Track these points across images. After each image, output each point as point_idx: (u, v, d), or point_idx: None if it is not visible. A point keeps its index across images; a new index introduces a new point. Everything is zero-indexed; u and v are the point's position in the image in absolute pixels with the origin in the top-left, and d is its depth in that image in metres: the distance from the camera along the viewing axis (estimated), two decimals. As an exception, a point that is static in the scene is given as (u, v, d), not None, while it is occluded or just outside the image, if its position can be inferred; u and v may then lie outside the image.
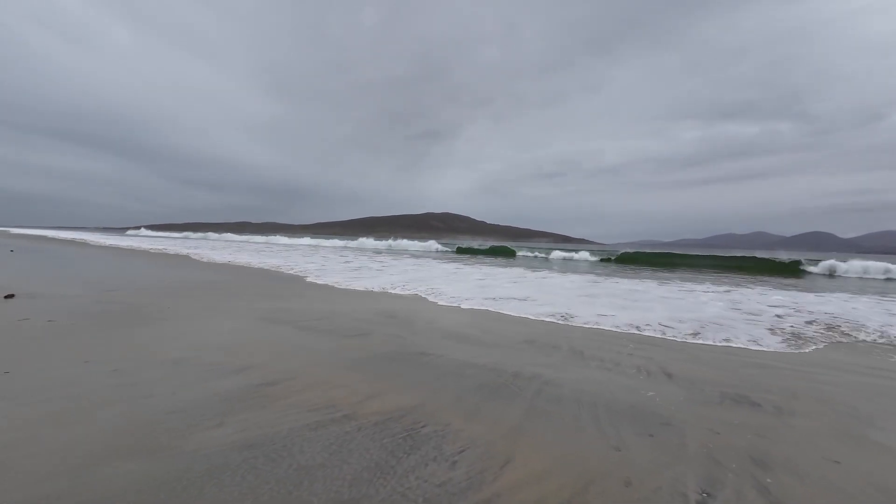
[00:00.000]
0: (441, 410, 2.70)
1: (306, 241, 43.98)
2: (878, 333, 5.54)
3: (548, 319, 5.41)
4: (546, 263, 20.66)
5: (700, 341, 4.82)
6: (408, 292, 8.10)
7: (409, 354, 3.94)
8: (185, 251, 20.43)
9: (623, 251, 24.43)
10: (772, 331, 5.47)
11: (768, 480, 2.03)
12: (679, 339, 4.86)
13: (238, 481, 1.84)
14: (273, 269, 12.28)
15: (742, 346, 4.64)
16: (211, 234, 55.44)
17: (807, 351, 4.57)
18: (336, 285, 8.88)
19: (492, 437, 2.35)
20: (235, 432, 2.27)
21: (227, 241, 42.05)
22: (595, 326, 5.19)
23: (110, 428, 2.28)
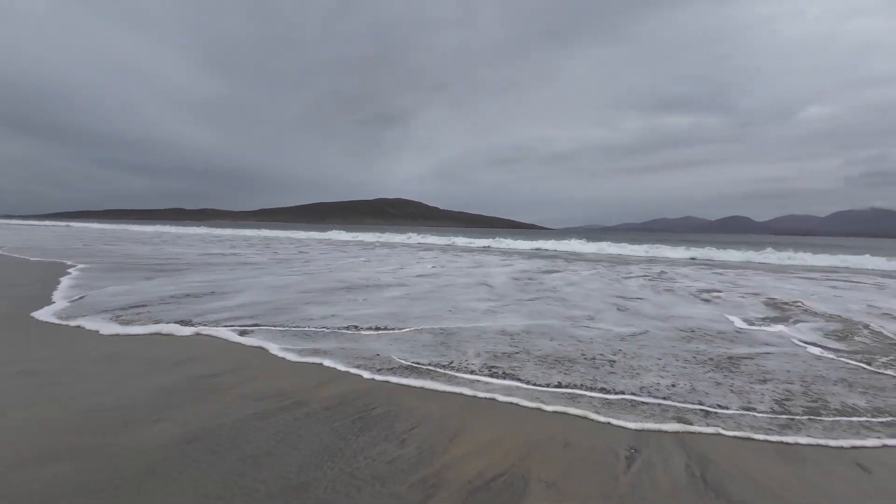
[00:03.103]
0: (396, 391, 2.75)
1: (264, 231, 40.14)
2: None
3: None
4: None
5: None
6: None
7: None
8: None
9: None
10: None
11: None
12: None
13: (178, 476, 1.79)
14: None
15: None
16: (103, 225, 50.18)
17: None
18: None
19: (443, 415, 2.44)
20: (175, 427, 2.20)
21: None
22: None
23: (29, 430, 2.09)
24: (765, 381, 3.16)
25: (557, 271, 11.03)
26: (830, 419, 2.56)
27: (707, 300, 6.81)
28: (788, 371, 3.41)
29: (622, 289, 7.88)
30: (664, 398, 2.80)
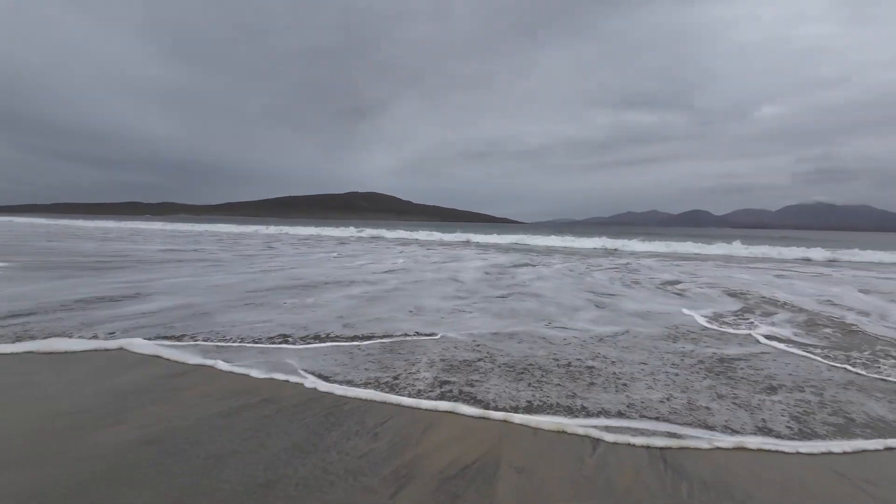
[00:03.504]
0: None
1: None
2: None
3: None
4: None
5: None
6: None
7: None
8: None
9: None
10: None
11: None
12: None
13: (138, 479, 1.72)
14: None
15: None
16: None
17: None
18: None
19: (415, 407, 2.44)
20: (135, 429, 2.11)
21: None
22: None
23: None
24: (772, 390, 2.80)
25: (531, 265, 10.88)
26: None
27: (679, 294, 6.76)
28: (791, 375, 3.11)
29: (593, 282, 7.78)
30: (658, 417, 2.35)
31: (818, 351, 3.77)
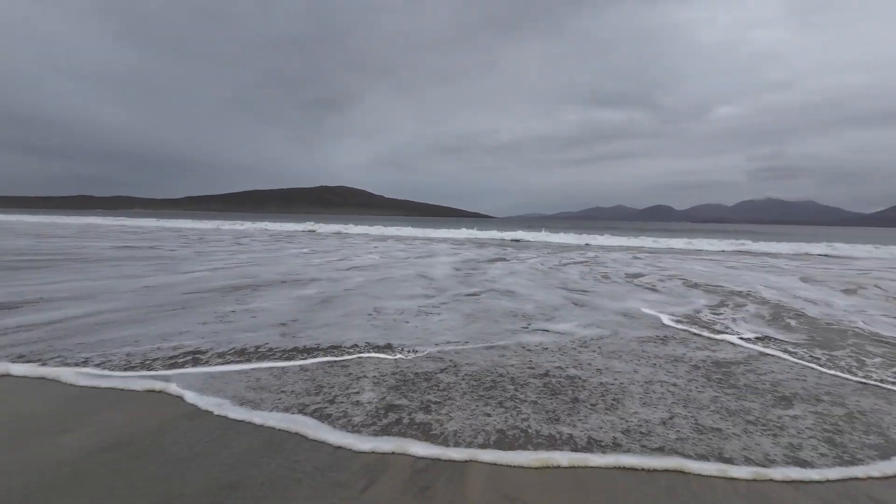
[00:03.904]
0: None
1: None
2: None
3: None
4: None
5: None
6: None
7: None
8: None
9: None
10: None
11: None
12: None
13: (93, 488, 1.56)
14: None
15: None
16: None
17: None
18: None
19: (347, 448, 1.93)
20: (88, 436, 1.91)
21: None
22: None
23: None
24: (787, 403, 2.40)
25: (504, 259, 10.53)
26: None
27: (652, 288, 6.54)
28: (802, 384, 2.78)
29: (566, 277, 7.43)
30: (663, 447, 1.89)
31: (804, 352, 3.52)
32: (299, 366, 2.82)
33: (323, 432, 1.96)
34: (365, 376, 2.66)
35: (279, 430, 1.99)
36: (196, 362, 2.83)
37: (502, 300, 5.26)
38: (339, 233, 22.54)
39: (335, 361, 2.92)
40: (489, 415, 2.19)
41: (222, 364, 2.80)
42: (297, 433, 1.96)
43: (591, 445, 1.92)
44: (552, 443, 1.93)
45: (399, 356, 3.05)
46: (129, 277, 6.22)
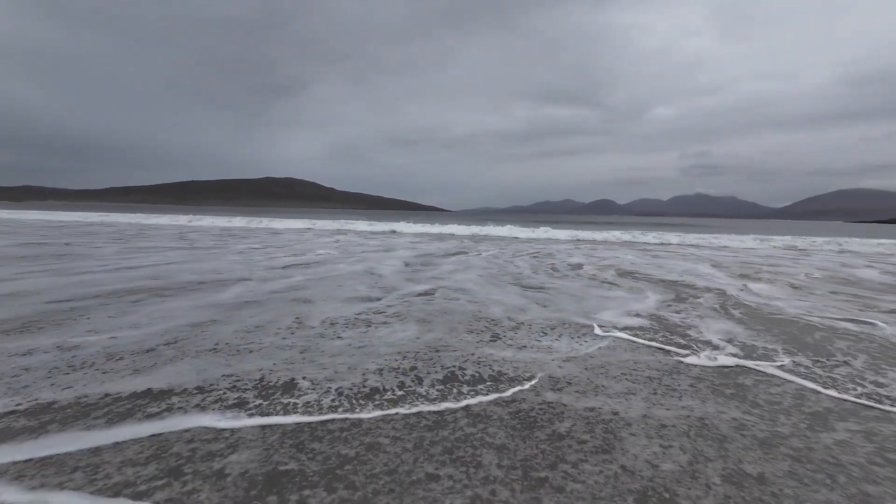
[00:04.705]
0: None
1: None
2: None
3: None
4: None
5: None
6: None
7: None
8: None
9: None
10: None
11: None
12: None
13: None
14: None
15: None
16: None
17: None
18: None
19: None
20: None
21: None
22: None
23: None
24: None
25: (463, 253, 10.05)
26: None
27: (615, 284, 6.35)
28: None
29: (530, 273, 7.02)
30: None
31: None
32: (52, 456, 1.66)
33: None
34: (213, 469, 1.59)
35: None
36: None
37: (464, 300, 4.71)
38: (307, 229, 21.00)
39: (156, 437, 1.81)
40: None
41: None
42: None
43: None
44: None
45: (296, 419, 2.00)
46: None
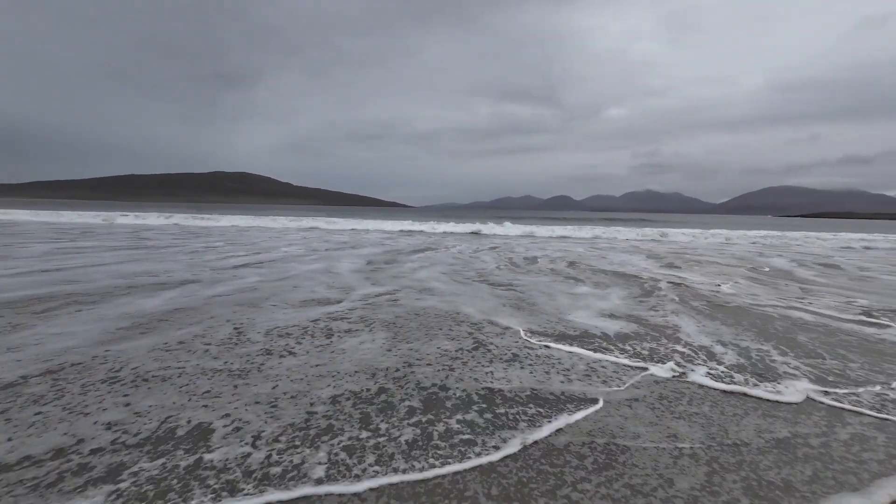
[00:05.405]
0: None
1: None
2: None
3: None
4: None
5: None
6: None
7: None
8: None
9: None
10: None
11: None
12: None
13: None
14: None
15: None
16: None
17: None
18: None
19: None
20: None
21: None
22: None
23: None
24: None
25: (430, 249, 9.84)
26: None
27: (580, 280, 6.27)
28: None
29: (483, 267, 6.88)
30: None
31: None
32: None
33: None
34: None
35: None
36: None
37: (429, 300, 4.40)
38: (273, 226, 19.65)
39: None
40: None
41: None
42: None
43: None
44: None
45: (224, 453, 1.61)
46: None
